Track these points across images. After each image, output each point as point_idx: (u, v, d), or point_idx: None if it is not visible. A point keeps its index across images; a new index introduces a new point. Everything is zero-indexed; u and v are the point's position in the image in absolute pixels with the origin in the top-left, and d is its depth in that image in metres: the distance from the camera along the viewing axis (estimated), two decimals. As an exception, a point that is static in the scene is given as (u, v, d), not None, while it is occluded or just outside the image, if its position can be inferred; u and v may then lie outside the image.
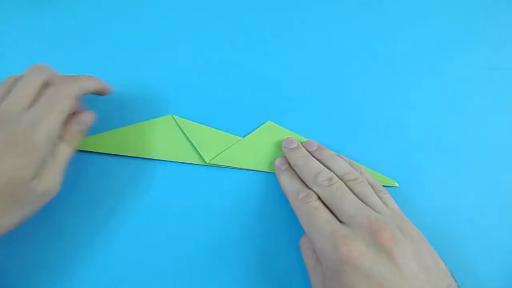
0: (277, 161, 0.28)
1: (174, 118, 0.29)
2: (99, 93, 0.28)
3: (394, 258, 0.20)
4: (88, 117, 0.26)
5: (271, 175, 0.29)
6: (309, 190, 0.25)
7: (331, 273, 0.21)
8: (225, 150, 0.29)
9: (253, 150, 0.29)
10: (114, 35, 0.33)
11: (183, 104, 0.30)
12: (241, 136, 0.30)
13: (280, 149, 0.29)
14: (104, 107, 0.29)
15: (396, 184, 0.29)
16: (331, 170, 0.26)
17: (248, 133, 0.30)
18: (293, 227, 0.27)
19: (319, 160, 0.27)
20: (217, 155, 0.28)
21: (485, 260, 0.26)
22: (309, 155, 0.28)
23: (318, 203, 0.24)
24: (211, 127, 0.30)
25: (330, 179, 0.25)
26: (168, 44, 0.33)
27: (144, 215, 0.27)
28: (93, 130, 0.28)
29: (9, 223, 0.22)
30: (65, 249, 0.26)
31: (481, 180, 0.29)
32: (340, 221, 0.23)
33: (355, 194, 0.24)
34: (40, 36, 0.32)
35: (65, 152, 0.24)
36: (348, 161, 0.28)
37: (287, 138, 0.29)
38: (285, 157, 0.28)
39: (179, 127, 0.29)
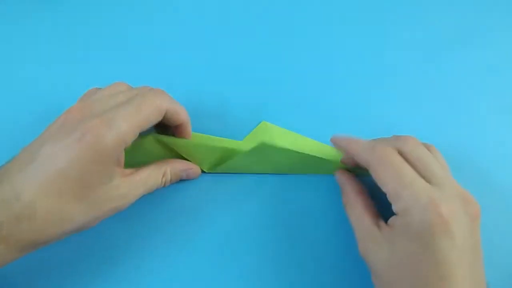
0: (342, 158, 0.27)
1: (157, 138, 0.27)
2: (180, 130, 0.26)
3: (476, 231, 0.20)
4: (194, 173, 0.27)
5: (272, 178, 0.28)
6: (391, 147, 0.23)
7: (410, 234, 0.20)
8: (223, 159, 0.28)
9: (250, 154, 0.28)
10: (113, 35, 0.33)
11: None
12: (235, 139, 0.29)
13: (279, 150, 0.28)
14: None
15: None
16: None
17: (243, 134, 0.29)
18: (296, 230, 0.27)
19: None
20: (215, 166, 0.28)
21: (484, 260, 0.26)
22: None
23: (401, 158, 0.22)
24: (205, 129, 0.29)
25: (414, 139, 0.23)
26: (169, 45, 0.33)
27: (145, 227, 0.27)
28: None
29: (79, 222, 0.21)
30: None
31: (481, 180, 0.29)
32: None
33: None
34: (40, 36, 0.33)
35: (151, 177, 0.24)
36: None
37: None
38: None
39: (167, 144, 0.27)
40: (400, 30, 0.34)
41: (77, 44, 0.33)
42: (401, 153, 0.22)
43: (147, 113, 0.22)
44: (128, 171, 0.23)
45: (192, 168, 0.27)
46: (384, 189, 0.22)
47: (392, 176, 0.21)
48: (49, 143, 0.20)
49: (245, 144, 0.29)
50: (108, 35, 0.33)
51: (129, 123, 0.21)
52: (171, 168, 0.26)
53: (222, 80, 0.31)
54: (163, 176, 0.25)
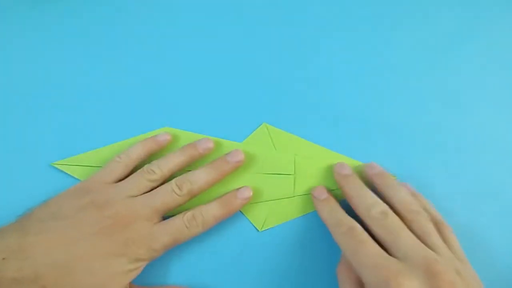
0: (315, 192, 0.27)
1: None
2: None
3: None
4: None
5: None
6: (353, 222, 0.24)
7: None
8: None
9: (250, 157, 0.28)
10: (113, 35, 0.32)
11: (174, 105, 0.30)
12: (235, 141, 0.29)
13: (280, 153, 0.29)
14: (94, 115, 0.30)
15: (393, 176, 0.29)
16: (389, 200, 0.25)
17: (242, 137, 0.29)
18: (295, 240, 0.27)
19: (378, 186, 0.26)
20: None
21: (484, 260, 0.26)
22: (363, 185, 0.26)
23: (364, 236, 0.22)
24: (205, 131, 0.29)
25: (384, 213, 0.23)
26: (169, 45, 0.32)
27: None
28: (89, 142, 0.28)
29: None
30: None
31: (481, 180, 0.29)
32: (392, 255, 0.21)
33: (413, 230, 0.22)
34: (40, 36, 0.32)
35: None
36: (412, 191, 0.27)
37: (339, 162, 0.28)
38: (337, 183, 0.27)
39: None
40: (400, 30, 0.33)
41: (74, 43, 0.32)
42: (371, 228, 0.23)
43: (186, 237, 0.25)
44: None
45: None
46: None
47: (353, 257, 0.22)
48: (86, 241, 0.22)
49: (245, 147, 0.29)
50: (106, 34, 0.32)
51: (166, 246, 0.24)
52: None
53: (223, 81, 0.31)
54: None
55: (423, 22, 0.33)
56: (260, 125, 0.30)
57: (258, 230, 0.27)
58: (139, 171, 0.26)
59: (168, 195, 0.25)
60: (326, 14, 0.33)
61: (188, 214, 0.25)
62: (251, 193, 0.27)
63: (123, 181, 0.25)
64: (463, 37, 0.33)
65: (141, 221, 0.23)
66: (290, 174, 0.28)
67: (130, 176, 0.26)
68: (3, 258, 0.21)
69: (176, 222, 0.25)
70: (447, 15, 0.34)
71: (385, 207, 0.24)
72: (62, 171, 0.28)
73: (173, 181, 0.25)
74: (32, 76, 0.31)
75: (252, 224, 0.28)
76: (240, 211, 0.28)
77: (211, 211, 0.25)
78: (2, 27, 0.32)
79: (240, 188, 0.27)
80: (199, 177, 0.26)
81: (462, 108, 0.31)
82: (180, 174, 0.26)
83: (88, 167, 0.28)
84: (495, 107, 0.31)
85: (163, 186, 0.25)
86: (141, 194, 0.25)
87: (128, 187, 0.25)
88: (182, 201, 0.25)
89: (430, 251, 0.21)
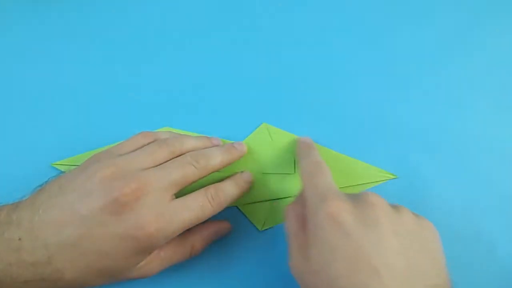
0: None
1: None
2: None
3: (378, 227, 0.18)
4: (225, 230, 0.26)
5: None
6: (323, 161, 0.24)
7: (314, 231, 0.19)
8: None
9: (250, 156, 0.28)
10: (114, 35, 0.32)
11: (174, 105, 0.30)
12: (235, 141, 0.29)
13: (280, 152, 0.29)
14: (94, 115, 0.30)
15: (394, 176, 0.29)
16: None
17: (242, 136, 0.29)
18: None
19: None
20: None
21: (484, 260, 0.26)
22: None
23: (327, 170, 0.23)
24: (205, 131, 0.29)
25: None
26: (169, 44, 0.32)
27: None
28: (89, 142, 0.28)
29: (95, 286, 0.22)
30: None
31: (481, 180, 0.29)
32: None
33: None
34: (40, 36, 0.32)
35: (177, 254, 0.24)
36: None
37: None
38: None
39: None
40: (401, 30, 0.33)
41: (74, 43, 0.32)
42: None
43: (207, 215, 0.23)
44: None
45: (222, 226, 0.26)
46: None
47: (307, 178, 0.22)
48: (95, 219, 0.20)
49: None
50: (107, 34, 0.32)
51: (185, 225, 0.22)
52: (199, 238, 0.25)
53: (223, 81, 0.31)
54: (192, 248, 0.24)
55: (423, 21, 0.33)
56: (260, 125, 0.30)
57: (258, 230, 0.28)
58: (155, 142, 0.24)
59: (186, 167, 0.22)
60: (326, 14, 0.33)
61: (211, 189, 0.23)
62: (252, 177, 0.27)
63: (135, 151, 0.23)
64: (464, 37, 0.33)
65: (155, 195, 0.21)
66: (290, 174, 0.29)
67: (144, 147, 0.23)
68: (19, 239, 0.19)
69: (199, 197, 0.23)
70: (448, 15, 0.34)
71: None
72: (62, 172, 0.28)
73: (187, 154, 0.23)
74: (32, 76, 0.31)
75: (252, 223, 0.28)
76: (240, 211, 0.28)
77: (228, 191, 0.24)
78: (2, 27, 0.32)
79: (242, 172, 0.27)
80: (215, 154, 0.24)
81: (463, 108, 0.31)
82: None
83: None
84: (495, 107, 0.31)
85: (178, 158, 0.23)
86: (154, 167, 0.22)
87: (140, 157, 0.22)
88: (199, 175, 0.23)
89: None
